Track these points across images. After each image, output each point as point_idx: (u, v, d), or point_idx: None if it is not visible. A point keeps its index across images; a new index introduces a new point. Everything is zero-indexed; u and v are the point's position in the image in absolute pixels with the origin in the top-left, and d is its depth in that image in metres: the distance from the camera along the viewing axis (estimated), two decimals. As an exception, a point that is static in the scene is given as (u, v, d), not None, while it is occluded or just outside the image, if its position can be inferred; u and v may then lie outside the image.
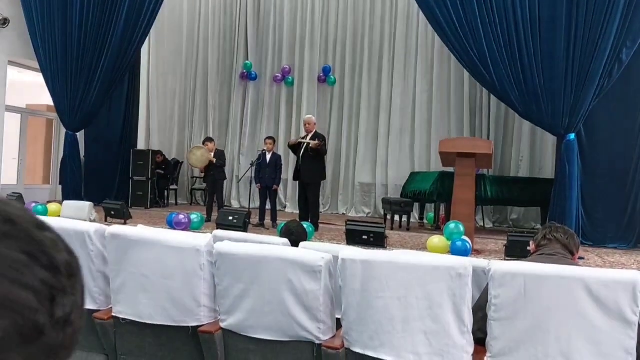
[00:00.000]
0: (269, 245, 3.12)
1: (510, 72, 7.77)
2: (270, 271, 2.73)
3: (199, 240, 2.91)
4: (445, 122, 11.58)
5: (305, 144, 8.22)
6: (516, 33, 7.70)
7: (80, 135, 10.60)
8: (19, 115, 11.63)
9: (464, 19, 7.88)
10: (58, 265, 0.51)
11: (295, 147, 8.53)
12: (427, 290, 2.52)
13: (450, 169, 7.59)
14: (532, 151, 11.02)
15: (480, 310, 2.61)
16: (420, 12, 9.02)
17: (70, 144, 10.12)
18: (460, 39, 7.96)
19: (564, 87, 7.53)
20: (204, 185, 10.19)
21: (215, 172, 9.23)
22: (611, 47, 7.36)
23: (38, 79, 10.44)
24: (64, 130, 10.46)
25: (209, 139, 9.64)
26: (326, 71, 12.36)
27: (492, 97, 9.82)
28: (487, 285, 2.59)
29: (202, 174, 10.12)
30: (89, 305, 3.11)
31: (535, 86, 7.67)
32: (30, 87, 11.63)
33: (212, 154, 9.22)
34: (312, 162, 8.24)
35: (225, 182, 10.01)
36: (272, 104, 12.87)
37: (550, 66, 7.60)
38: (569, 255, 2.83)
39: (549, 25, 7.57)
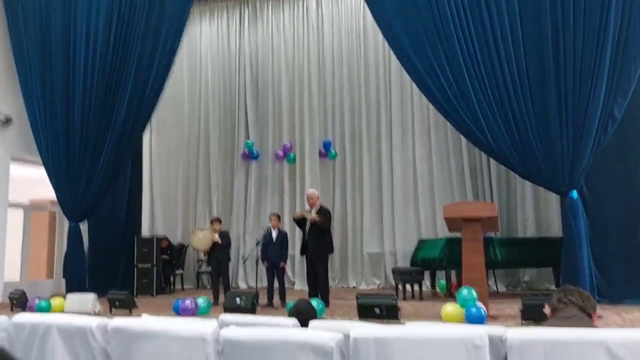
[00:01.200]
0: (277, 328, 3.02)
1: (505, 132, 7.83)
2: (279, 356, 2.62)
3: (205, 328, 2.82)
4: (448, 186, 11.61)
5: (309, 219, 8.20)
6: (507, 95, 7.82)
7: (84, 225, 10.57)
8: (22, 211, 11.68)
9: (455, 84, 8.03)
10: None
11: (300, 222, 8.49)
12: (444, 366, 2.41)
13: (458, 234, 7.50)
14: (537, 210, 10.94)
15: (501, 384, 2.49)
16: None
17: (74, 236, 10.00)
18: (452, 103, 8.08)
19: (561, 145, 7.57)
20: (210, 268, 10.03)
21: (218, 252, 9.14)
22: (602, 104, 7.48)
23: (41, 173, 10.53)
24: (67, 223, 10.42)
25: (217, 220, 9.59)
26: (327, 146, 12.49)
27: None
28: (506, 355, 2.48)
29: (206, 256, 10.01)
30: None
31: (532, 146, 7.71)
32: (33, 182, 11.75)
33: (217, 234, 9.18)
34: (318, 235, 8.19)
35: (230, 263, 9.87)
36: (275, 181, 12.94)
37: (545, 125, 7.67)
38: (586, 318, 2.73)
39: (539, 87, 7.71)
